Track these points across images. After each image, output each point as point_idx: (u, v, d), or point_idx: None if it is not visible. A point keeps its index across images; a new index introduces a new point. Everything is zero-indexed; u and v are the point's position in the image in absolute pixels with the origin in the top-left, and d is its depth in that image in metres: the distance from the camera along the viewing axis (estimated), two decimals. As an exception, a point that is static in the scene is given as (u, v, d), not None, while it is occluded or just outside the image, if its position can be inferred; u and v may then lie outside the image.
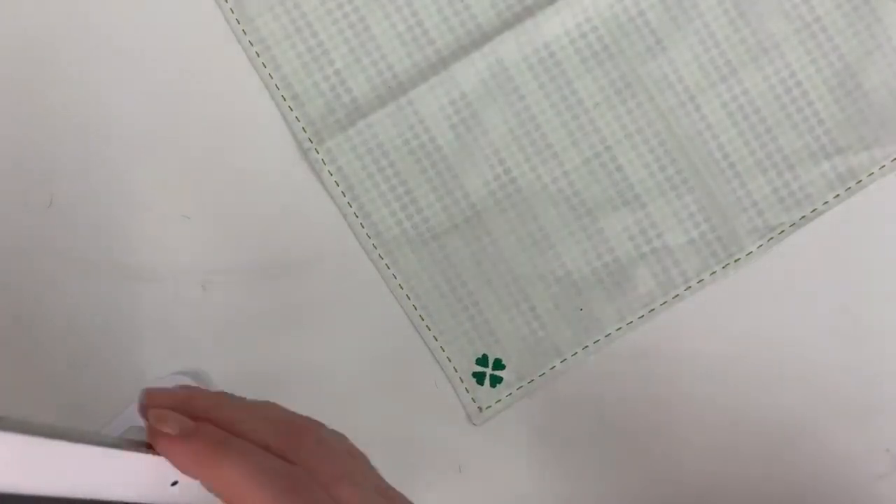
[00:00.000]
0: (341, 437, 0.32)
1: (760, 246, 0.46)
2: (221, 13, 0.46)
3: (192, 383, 0.45)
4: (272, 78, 0.46)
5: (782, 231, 0.46)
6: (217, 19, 0.46)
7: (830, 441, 0.46)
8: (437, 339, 0.46)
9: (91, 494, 0.26)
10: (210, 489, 0.28)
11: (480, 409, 0.46)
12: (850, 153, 0.46)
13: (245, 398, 0.31)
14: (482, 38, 0.46)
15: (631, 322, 0.46)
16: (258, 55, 0.46)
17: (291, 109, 0.46)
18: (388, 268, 0.46)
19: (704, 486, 0.46)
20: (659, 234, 0.46)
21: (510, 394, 0.46)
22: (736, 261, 0.46)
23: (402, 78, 0.46)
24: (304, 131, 0.46)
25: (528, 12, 0.46)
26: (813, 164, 0.46)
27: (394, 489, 0.31)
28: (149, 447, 0.28)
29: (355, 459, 0.32)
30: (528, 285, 0.46)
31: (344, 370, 0.46)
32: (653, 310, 0.46)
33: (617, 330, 0.46)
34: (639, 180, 0.46)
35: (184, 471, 0.28)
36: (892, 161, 0.46)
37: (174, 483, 0.29)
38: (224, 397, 0.31)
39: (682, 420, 0.46)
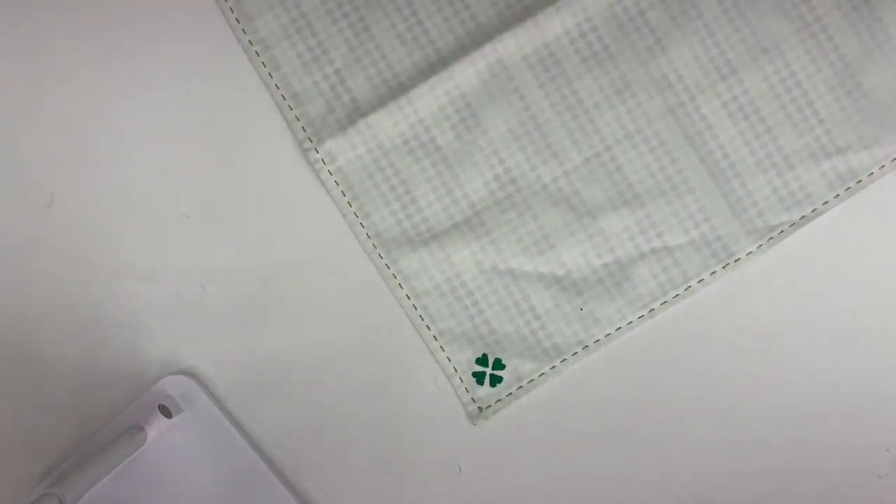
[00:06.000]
0: None
1: (760, 246, 0.46)
2: (221, 13, 0.46)
3: (189, 385, 0.45)
4: (272, 78, 0.46)
5: (782, 231, 0.46)
6: (217, 19, 0.46)
7: (830, 441, 0.46)
8: (437, 339, 0.46)
9: None
10: None
11: (480, 409, 0.46)
12: (850, 153, 0.46)
13: None
14: (482, 38, 0.46)
15: (631, 322, 0.46)
16: (258, 55, 0.46)
17: (291, 109, 0.46)
18: (388, 268, 0.46)
19: (704, 485, 0.46)
20: (659, 234, 0.46)
21: (510, 394, 0.46)
22: (736, 261, 0.46)
23: (402, 78, 0.46)
24: (304, 131, 0.46)
25: (528, 12, 0.46)
26: (813, 164, 0.46)
27: None
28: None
29: None
30: (528, 285, 0.46)
31: (343, 370, 0.46)
32: (653, 310, 0.46)
33: (617, 330, 0.46)
34: (639, 180, 0.46)
35: None
36: (892, 161, 0.46)
37: None
38: None
39: (682, 420, 0.46)
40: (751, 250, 0.46)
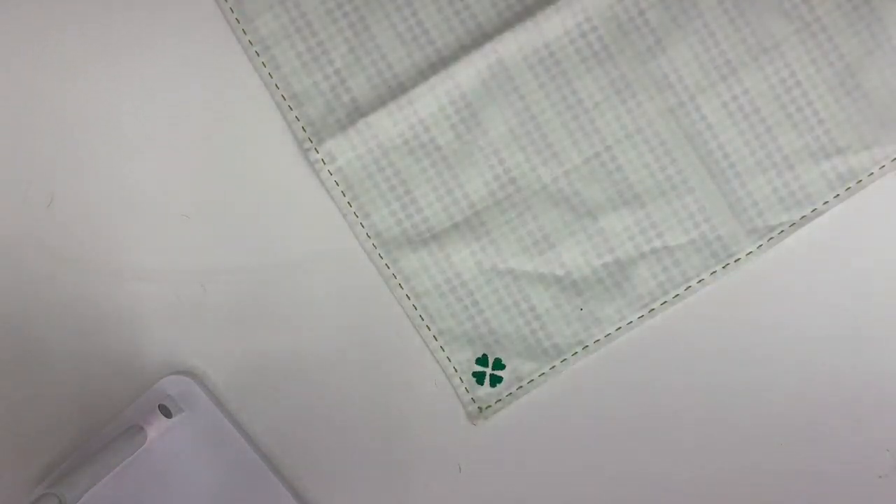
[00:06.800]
0: None
1: (760, 246, 0.46)
2: (221, 13, 0.46)
3: (189, 385, 0.45)
4: (272, 78, 0.46)
5: (782, 231, 0.46)
6: (217, 19, 0.46)
7: (830, 441, 0.46)
8: (437, 339, 0.46)
9: None
10: None
11: (480, 409, 0.46)
12: (850, 153, 0.46)
13: None
14: (482, 38, 0.46)
15: (631, 322, 0.46)
16: (258, 55, 0.46)
17: (291, 109, 0.46)
18: (388, 268, 0.46)
19: (704, 485, 0.46)
20: (659, 234, 0.46)
21: (510, 394, 0.46)
22: (736, 261, 0.46)
23: (402, 78, 0.46)
24: (304, 131, 0.46)
25: (528, 12, 0.46)
26: (813, 164, 0.46)
27: None
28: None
29: None
30: (528, 285, 0.46)
31: (343, 370, 0.46)
32: (653, 310, 0.46)
33: (617, 330, 0.46)
34: (639, 180, 0.46)
35: None
36: (892, 161, 0.46)
37: None
38: None
39: (682, 420, 0.46)
40: (751, 250, 0.46)
